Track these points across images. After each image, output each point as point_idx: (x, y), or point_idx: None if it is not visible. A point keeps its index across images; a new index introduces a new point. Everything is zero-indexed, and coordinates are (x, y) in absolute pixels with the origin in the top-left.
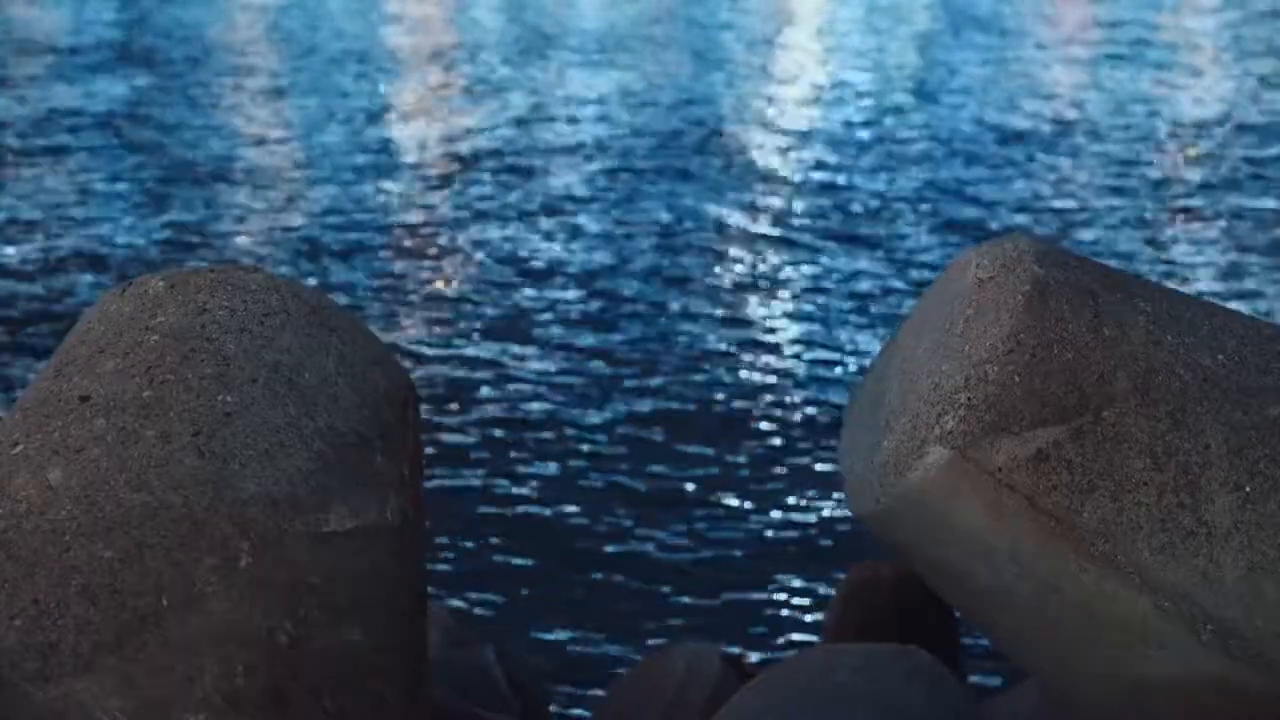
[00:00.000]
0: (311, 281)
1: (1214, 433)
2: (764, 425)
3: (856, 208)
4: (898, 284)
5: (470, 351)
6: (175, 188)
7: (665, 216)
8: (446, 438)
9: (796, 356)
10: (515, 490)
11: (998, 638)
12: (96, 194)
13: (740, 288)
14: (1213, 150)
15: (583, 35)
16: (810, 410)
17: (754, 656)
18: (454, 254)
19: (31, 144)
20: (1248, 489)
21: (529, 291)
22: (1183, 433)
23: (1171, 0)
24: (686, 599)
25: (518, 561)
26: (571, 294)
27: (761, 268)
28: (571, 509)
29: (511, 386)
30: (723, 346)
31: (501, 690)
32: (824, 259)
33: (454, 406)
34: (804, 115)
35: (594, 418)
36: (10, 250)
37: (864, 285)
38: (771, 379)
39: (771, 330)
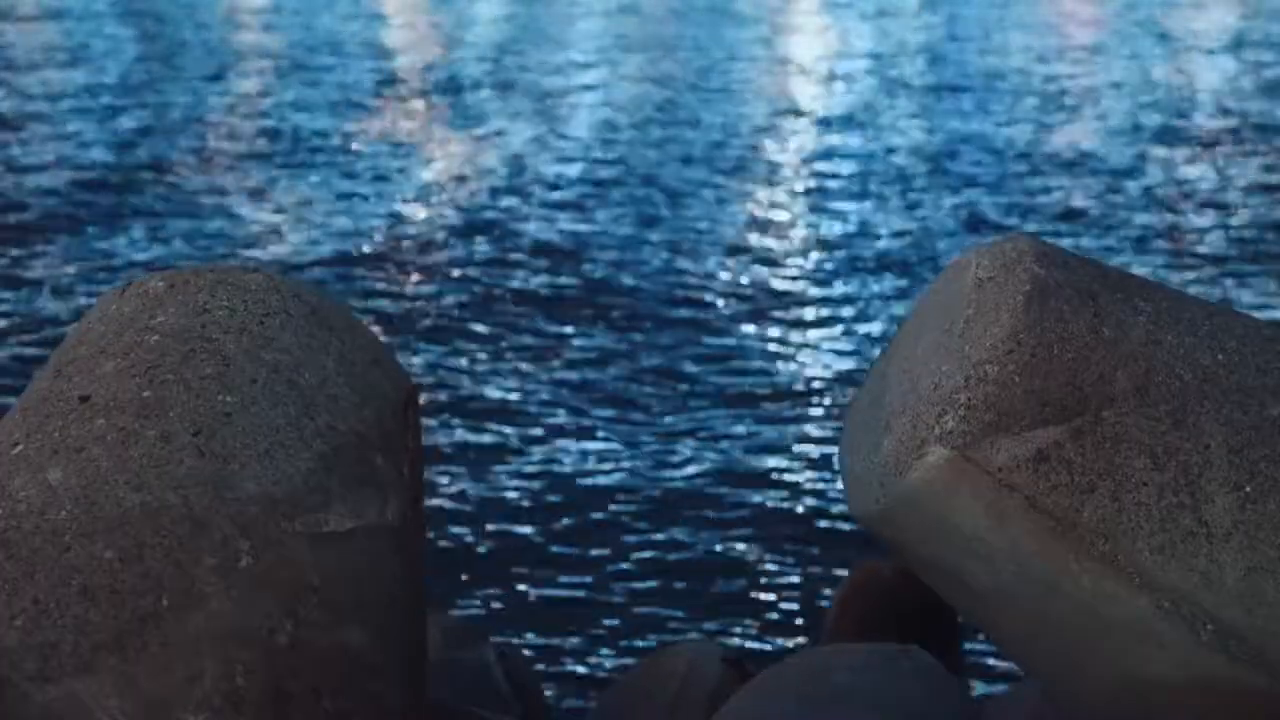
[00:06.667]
0: (312, 283)
1: (1214, 433)
2: (764, 425)
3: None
4: (897, 286)
5: (471, 351)
6: (173, 179)
7: (669, 213)
8: (447, 438)
9: (797, 356)
10: (515, 490)
11: (998, 638)
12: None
13: (742, 289)
14: (1216, 146)
15: (585, 32)
16: (810, 409)
17: (754, 656)
18: (455, 253)
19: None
20: (1248, 489)
21: (531, 290)
22: (1183, 433)
23: None
24: (686, 599)
25: (517, 561)
26: (574, 292)
27: (761, 269)
28: (572, 508)
29: (512, 386)
30: (723, 347)
31: (501, 690)
32: (822, 262)
33: (454, 406)
34: (811, 102)
35: (595, 417)
36: None
37: (865, 285)
38: (772, 379)
39: (772, 331)
